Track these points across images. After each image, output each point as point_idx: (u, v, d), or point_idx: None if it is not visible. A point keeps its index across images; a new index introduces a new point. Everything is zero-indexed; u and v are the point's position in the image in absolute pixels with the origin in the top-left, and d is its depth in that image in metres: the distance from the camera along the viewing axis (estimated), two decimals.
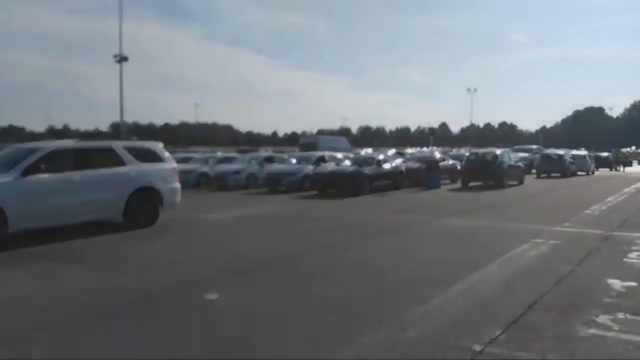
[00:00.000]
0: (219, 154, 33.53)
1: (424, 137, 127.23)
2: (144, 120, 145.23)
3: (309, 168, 19.26)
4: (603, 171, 37.69)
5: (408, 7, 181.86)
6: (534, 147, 43.92)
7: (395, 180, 19.20)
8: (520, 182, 22.20)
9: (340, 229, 9.65)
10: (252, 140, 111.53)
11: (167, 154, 10.83)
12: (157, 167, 10.32)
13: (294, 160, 21.08)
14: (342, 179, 17.16)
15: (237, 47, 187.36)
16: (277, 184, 19.01)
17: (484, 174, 20.88)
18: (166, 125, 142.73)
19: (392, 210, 12.49)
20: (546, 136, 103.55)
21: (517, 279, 5.65)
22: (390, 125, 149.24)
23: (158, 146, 10.71)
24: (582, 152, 38.03)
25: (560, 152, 34.07)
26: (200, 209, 13.01)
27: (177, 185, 10.74)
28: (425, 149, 63.07)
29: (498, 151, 22.69)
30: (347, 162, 19.28)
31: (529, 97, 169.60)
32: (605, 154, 45.06)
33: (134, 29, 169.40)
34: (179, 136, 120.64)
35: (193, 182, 21.25)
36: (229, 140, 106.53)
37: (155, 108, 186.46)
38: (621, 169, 41.81)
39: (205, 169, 21.91)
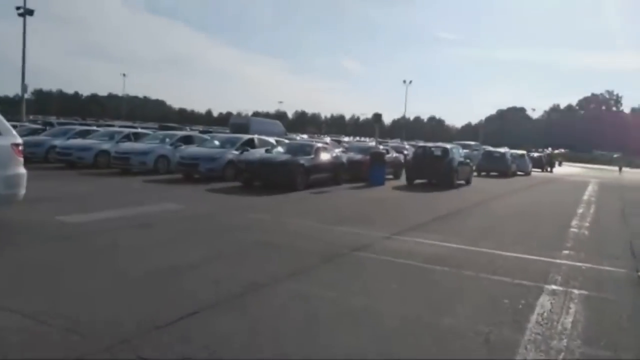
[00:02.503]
0: (139, 128, 28.86)
1: (358, 125, 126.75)
2: (69, 89, 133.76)
3: (233, 153, 15.87)
4: (535, 171, 37.07)
5: None
6: (473, 143, 42.89)
7: (336, 173, 16.29)
8: (468, 182, 20.16)
9: (262, 252, 6.51)
10: (185, 118, 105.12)
11: (5, 124, 7.09)
12: None
13: (216, 143, 17.53)
14: (273, 170, 13.93)
15: (175, 21, 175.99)
16: (193, 171, 15.48)
17: (433, 172, 18.48)
18: (93, 96, 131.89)
19: (335, 218, 9.46)
20: (471, 133, 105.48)
21: None
22: (326, 112, 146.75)
23: None
24: (521, 151, 37.22)
25: (502, 150, 32.88)
26: (70, 202, 9.38)
27: (20, 171, 7.09)
28: (367, 139, 61.24)
29: (448, 146, 20.41)
30: (280, 149, 16.08)
31: (456, 94, 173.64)
32: (536, 154, 45.15)
33: None
34: (106, 108, 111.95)
35: (89, 162, 17.23)
36: (160, 116, 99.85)
37: (84, 77, 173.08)
38: (549, 169, 42.13)
39: (106, 146, 17.75)
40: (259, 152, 15.60)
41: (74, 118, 51.86)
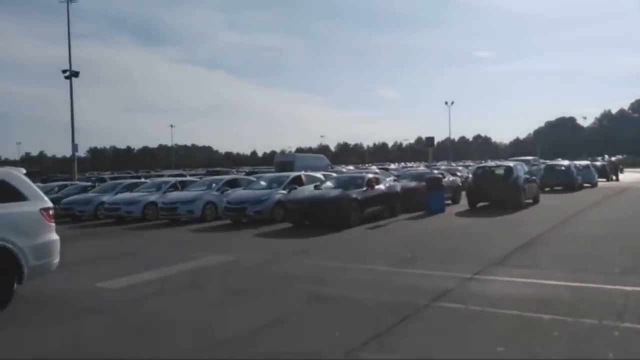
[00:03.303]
0: (187, 176, 28.95)
1: (401, 151, 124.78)
2: (122, 144, 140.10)
3: (281, 193, 15.08)
4: (600, 181, 34.15)
5: (378, 27, 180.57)
6: (531, 158, 40.70)
7: (391, 204, 15.15)
8: (536, 200, 18.41)
9: (325, 311, 5.47)
10: (232, 161, 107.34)
11: (32, 187, 6.52)
12: (9, 209, 6.03)
13: (263, 184, 16.86)
14: (324, 207, 12.95)
15: (214, 70, 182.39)
16: (241, 215, 14.77)
17: (498, 193, 16.89)
18: (144, 148, 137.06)
19: (402, 258, 8.32)
20: (521, 148, 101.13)
21: None
22: (367, 142, 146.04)
23: (13, 175, 6.38)
24: (585, 162, 34.69)
25: (565, 162, 30.70)
26: (113, 264, 8.72)
27: (51, 237, 6.44)
28: (412, 164, 59.64)
29: (511, 164, 18.86)
30: (330, 184, 15.14)
31: (500, 110, 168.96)
32: (598, 163, 42.08)
33: (114, 55, 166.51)
34: (157, 159, 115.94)
35: (137, 215, 16.87)
36: (207, 161, 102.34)
37: (135, 132, 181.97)
38: (614, 178, 38.92)
39: (153, 198, 17.41)
40: (307, 189, 14.73)
41: (126, 171, 53.28)
